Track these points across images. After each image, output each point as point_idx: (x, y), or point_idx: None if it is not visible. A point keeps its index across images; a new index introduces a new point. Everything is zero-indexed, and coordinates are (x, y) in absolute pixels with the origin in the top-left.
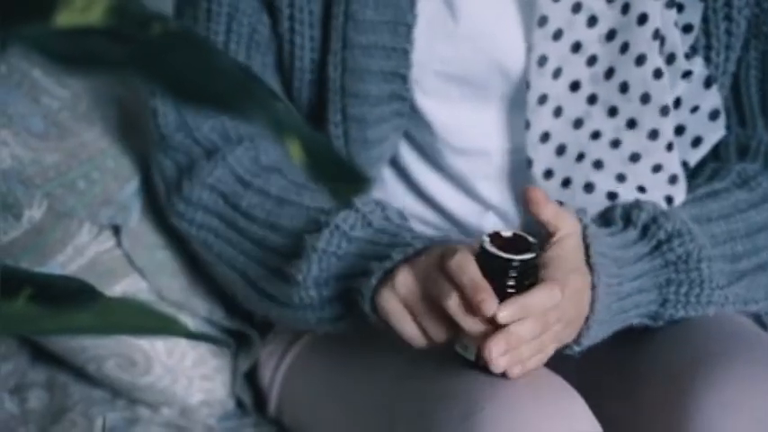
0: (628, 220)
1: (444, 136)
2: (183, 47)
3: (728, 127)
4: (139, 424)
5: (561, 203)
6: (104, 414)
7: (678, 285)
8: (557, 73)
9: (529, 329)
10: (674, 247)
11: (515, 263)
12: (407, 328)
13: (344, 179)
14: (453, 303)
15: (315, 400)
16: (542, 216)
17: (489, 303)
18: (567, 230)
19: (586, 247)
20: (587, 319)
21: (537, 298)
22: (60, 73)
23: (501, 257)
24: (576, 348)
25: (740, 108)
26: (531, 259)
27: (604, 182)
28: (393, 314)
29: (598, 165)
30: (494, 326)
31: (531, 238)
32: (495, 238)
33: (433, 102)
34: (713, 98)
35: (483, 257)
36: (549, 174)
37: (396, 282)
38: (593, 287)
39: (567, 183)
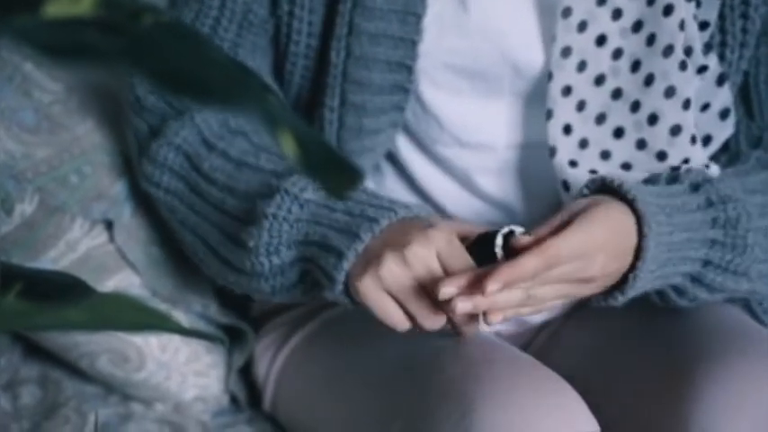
0: (674, 179)
1: (451, 129)
2: (175, 38)
3: (737, 120)
4: (133, 420)
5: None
6: (97, 410)
7: (723, 248)
8: (581, 66)
9: (515, 297)
10: (728, 209)
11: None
12: (392, 315)
13: (336, 171)
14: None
15: (310, 395)
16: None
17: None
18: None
19: (631, 201)
20: (633, 267)
21: (523, 266)
22: (49, 65)
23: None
24: (620, 298)
25: (748, 103)
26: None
27: (633, 177)
28: (376, 302)
29: (626, 166)
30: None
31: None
32: (509, 237)
33: (442, 94)
34: (724, 96)
35: (479, 249)
36: (573, 164)
37: (382, 270)
38: (644, 235)
39: (593, 173)
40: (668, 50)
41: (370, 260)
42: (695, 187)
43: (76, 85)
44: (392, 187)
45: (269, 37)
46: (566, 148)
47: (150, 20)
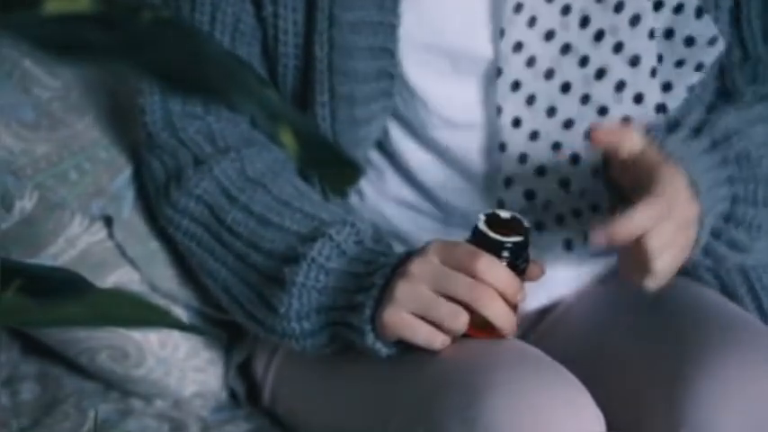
0: (675, 126)
1: (438, 109)
2: (173, 35)
3: (732, 62)
4: (132, 416)
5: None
6: (97, 407)
7: (745, 182)
8: (531, 22)
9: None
10: (733, 144)
11: (508, 245)
12: (423, 332)
13: (336, 166)
14: (475, 296)
15: (310, 390)
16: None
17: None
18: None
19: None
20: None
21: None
22: (48, 61)
23: (493, 239)
24: (702, 234)
25: (743, 42)
26: (522, 242)
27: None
28: (403, 326)
29: (569, 123)
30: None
31: (526, 222)
32: (492, 218)
33: (424, 74)
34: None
35: (475, 238)
36: (523, 158)
37: (395, 295)
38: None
39: (541, 172)
40: (619, 7)
41: (385, 294)
42: (697, 131)
43: (76, 81)
44: (390, 180)
45: (261, 45)
46: (516, 143)
47: (149, 16)
